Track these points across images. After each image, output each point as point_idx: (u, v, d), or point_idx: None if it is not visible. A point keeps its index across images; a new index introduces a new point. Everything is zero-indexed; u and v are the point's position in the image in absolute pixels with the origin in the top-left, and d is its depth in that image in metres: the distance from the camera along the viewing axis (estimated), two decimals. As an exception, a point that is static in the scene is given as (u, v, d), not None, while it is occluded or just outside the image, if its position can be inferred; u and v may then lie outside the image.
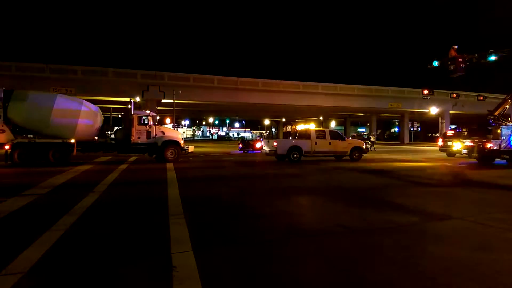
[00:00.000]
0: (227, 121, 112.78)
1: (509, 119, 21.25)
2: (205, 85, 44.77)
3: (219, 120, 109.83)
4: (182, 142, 18.16)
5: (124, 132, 17.65)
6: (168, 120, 52.56)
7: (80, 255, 4.29)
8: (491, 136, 18.30)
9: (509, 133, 17.85)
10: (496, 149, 17.61)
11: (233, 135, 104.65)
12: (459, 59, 16.72)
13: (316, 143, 18.50)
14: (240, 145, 27.46)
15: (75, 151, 15.84)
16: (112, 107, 43.82)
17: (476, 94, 33.29)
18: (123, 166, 15.16)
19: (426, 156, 25.09)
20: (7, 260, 3.92)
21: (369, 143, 32.84)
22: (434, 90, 37.32)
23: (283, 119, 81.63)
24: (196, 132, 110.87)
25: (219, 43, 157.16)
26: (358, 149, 19.50)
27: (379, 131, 62.53)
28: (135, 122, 17.08)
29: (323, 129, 22.39)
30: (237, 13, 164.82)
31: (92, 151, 17.23)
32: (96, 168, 14.57)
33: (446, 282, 3.52)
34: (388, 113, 65.13)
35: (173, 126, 43.15)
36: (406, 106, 55.01)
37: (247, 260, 4.16)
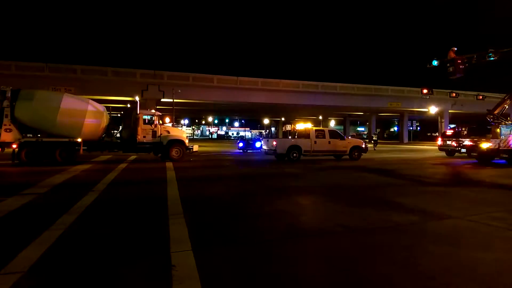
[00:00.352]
0: (227, 120, 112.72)
1: (508, 118, 21.26)
2: (205, 84, 44.71)
3: (218, 119, 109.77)
4: (187, 141, 18.30)
5: (130, 132, 17.75)
6: (167, 119, 52.46)
7: (80, 254, 4.28)
8: (490, 135, 18.31)
9: (508, 132, 17.85)
10: (495, 148, 17.62)
11: (232, 134, 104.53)
12: (458, 61, 16.70)
13: (315, 142, 18.50)
14: (240, 145, 27.46)
15: (81, 150, 15.94)
16: (111, 106, 43.69)
17: (476, 93, 33.23)
18: (123, 165, 15.15)
19: (425, 155, 25.11)
20: (7, 259, 3.91)
21: (372, 142, 32.85)
22: (433, 90, 37.27)
23: (283, 118, 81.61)
24: (196, 131, 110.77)
25: (218, 43, 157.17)
26: (357, 149, 19.51)
27: (378, 130, 62.54)
28: (141, 121, 17.20)
29: (323, 128, 22.39)
30: (237, 13, 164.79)
31: (98, 150, 17.33)
32: (96, 167, 14.56)
33: (446, 282, 3.52)
34: (387, 113, 65.14)
35: (172, 125, 43.05)
36: (406, 106, 55.00)
37: (246, 259, 4.16)
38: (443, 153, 23.96)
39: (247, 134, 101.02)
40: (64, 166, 14.05)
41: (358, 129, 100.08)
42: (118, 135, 18.10)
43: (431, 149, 33.70)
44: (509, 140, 17.54)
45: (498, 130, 18.07)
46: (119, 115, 24.24)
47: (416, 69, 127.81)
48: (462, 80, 17.82)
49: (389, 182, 11.11)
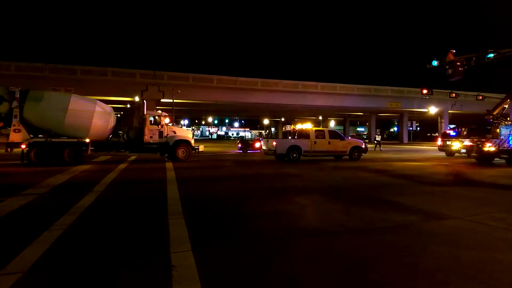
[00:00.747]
0: (227, 121, 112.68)
1: (508, 118, 21.26)
2: (205, 84, 44.74)
3: (218, 120, 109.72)
4: (192, 141, 18.50)
5: (136, 132, 17.99)
6: (167, 120, 52.50)
7: (79, 254, 4.28)
8: (490, 135, 18.31)
9: (508, 132, 17.85)
10: (495, 149, 17.62)
11: (232, 134, 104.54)
12: (457, 63, 16.69)
13: (315, 142, 18.50)
14: (240, 145, 27.45)
15: (89, 150, 16.11)
16: (112, 107, 43.73)
17: (475, 93, 33.29)
18: (123, 166, 15.16)
19: (425, 155, 25.12)
20: (6, 260, 3.91)
21: (375, 142, 32.55)
22: (433, 90, 37.35)
23: (283, 119, 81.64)
24: (196, 131, 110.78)
25: (218, 43, 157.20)
26: (357, 149, 19.51)
27: (378, 130, 62.44)
28: (148, 122, 17.42)
29: (323, 128, 22.38)
30: (237, 13, 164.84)
31: (105, 150, 17.46)
32: (96, 167, 14.56)
33: (446, 281, 3.52)
34: (387, 113, 65.16)
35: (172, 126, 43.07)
36: (406, 106, 55.04)
37: (246, 259, 4.16)
38: (443, 154, 23.96)
39: (247, 134, 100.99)
40: (65, 166, 14.06)
41: (358, 129, 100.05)
42: (125, 135, 18.23)
43: (430, 149, 33.70)
44: (509, 140, 17.55)
45: (498, 130, 18.06)
46: (118, 115, 24.29)
47: (416, 69, 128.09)
48: (461, 81, 17.79)
49: (389, 182, 11.11)
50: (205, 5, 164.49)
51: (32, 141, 15.10)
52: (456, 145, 20.94)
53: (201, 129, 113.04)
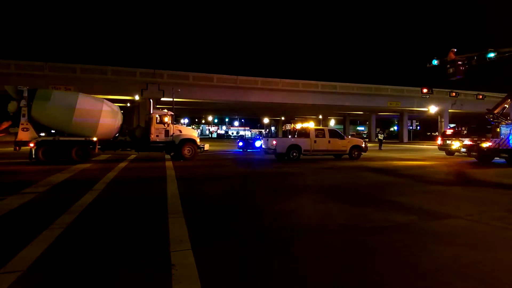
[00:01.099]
0: (227, 120, 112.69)
1: (508, 118, 21.24)
2: (205, 83, 44.70)
3: (218, 119, 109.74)
4: (198, 140, 18.57)
5: (142, 131, 18.07)
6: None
7: (79, 253, 4.28)
8: (490, 135, 18.29)
9: (508, 132, 17.83)
10: (495, 148, 17.62)
11: (232, 133, 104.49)
12: (459, 62, 16.66)
13: (315, 141, 18.50)
14: (240, 144, 27.44)
15: (96, 149, 16.18)
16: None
17: (476, 92, 33.22)
18: (123, 164, 15.16)
19: (425, 154, 25.11)
20: (6, 258, 3.91)
21: (377, 141, 32.61)
22: (433, 89, 37.20)
23: (283, 118, 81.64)
24: (196, 130, 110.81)
25: (218, 42, 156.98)
26: (357, 148, 19.51)
27: (378, 129, 62.49)
28: (154, 121, 17.51)
29: (322, 127, 22.36)
30: (236, 12, 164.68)
31: (111, 149, 17.56)
32: (96, 166, 14.56)
33: (446, 281, 3.52)
34: (387, 112, 65.14)
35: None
36: (406, 105, 55.01)
37: (246, 258, 4.16)
38: (443, 153, 23.97)
39: (247, 133, 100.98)
40: (65, 165, 14.07)
41: (358, 128, 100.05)
42: (130, 134, 18.28)
43: (430, 148, 33.70)
44: (509, 140, 17.54)
45: (498, 129, 18.06)
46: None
47: (416, 68, 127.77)
48: (462, 80, 17.76)
49: (389, 181, 11.10)
50: (205, 4, 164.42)
51: (40, 139, 15.14)
52: (456, 144, 20.95)
53: (201, 128, 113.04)
